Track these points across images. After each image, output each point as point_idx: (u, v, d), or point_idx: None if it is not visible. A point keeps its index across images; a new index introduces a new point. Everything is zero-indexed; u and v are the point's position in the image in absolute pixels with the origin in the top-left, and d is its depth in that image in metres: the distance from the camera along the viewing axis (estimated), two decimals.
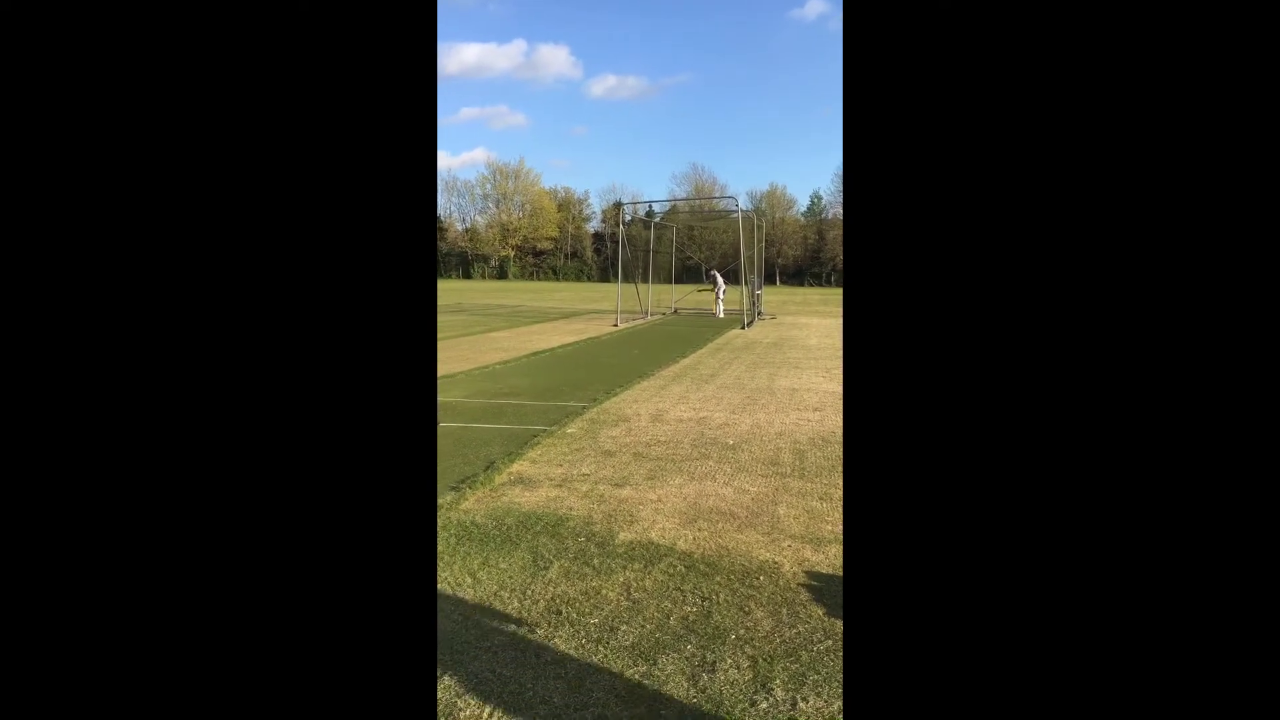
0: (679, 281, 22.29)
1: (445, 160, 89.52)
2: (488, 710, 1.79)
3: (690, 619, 2.27)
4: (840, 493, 3.40)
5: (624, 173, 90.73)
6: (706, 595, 2.43)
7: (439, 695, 1.85)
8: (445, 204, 63.79)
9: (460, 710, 1.79)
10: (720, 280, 17.86)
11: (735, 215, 18.53)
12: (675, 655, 2.05)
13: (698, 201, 39.29)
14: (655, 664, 2.00)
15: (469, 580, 2.55)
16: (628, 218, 22.00)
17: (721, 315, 16.89)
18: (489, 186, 60.30)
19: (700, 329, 13.54)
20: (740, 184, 72.35)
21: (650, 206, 21.27)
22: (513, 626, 2.22)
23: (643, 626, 2.21)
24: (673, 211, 35.02)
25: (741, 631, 2.19)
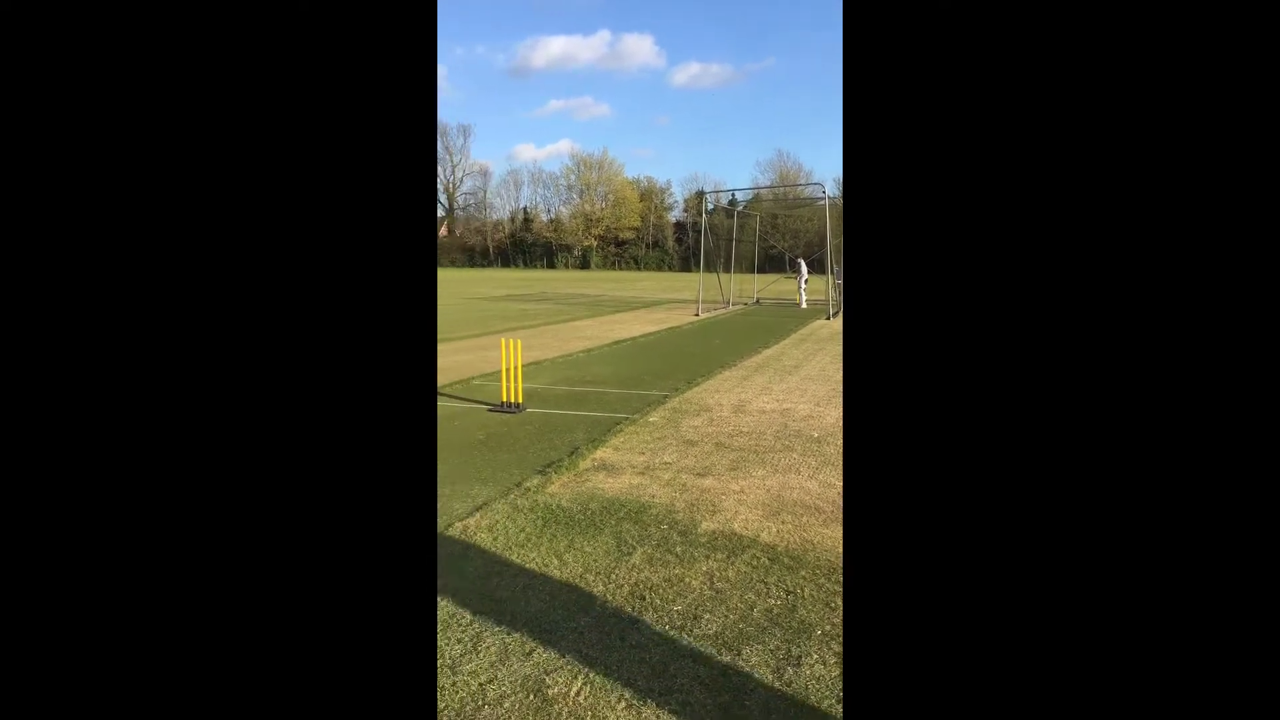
0: (762, 271, 21.96)
1: (531, 152, 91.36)
2: (575, 689, 1.84)
3: (775, 612, 2.24)
4: None
5: (707, 161, 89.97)
6: (791, 589, 2.40)
7: (528, 671, 1.91)
8: (531, 195, 65.22)
9: (548, 687, 1.85)
10: (804, 268, 17.45)
11: (821, 202, 18.06)
12: (760, 647, 2.03)
13: (782, 189, 38.51)
14: (740, 654, 2.00)
15: (555, 562, 2.62)
16: (710, 206, 21.84)
17: (805, 305, 16.52)
18: (573, 178, 61.17)
19: (783, 319, 13.30)
20: (827, 170, 70.15)
21: (733, 195, 21.01)
22: (598, 609, 2.26)
23: (726, 616, 2.21)
24: (756, 199, 34.42)
25: (828, 627, 2.15)
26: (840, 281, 16.98)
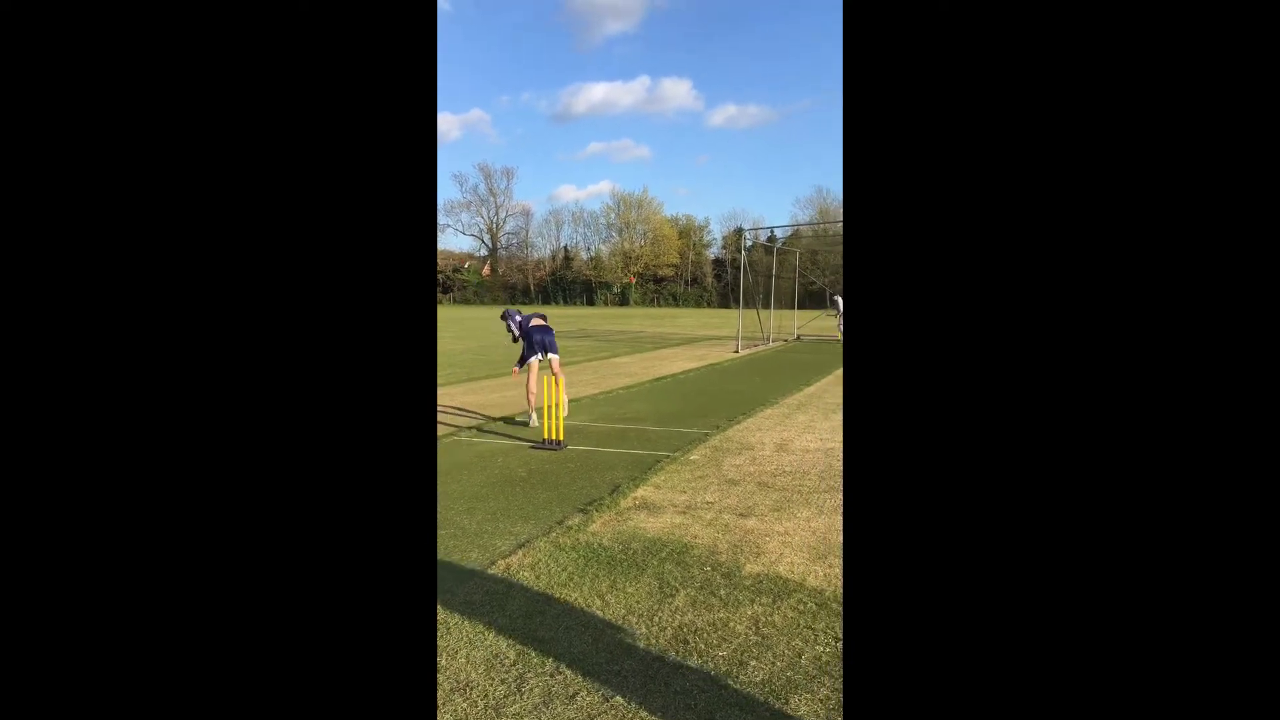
0: (802, 307, 21.81)
1: (572, 193, 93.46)
2: None
3: (823, 659, 2.18)
4: None
5: (746, 198, 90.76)
6: (840, 636, 2.33)
7: (572, 715, 1.89)
8: (572, 234, 66.52)
9: None
10: (842, 304, 17.34)
11: None
12: (809, 696, 1.97)
13: (822, 225, 38.46)
14: (788, 704, 1.94)
15: (598, 602, 2.59)
16: (748, 243, 21.90)
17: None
18: (613, 216, 62.26)
19: (825, 356, 13.15)
20: None
21: (772, 231, 21.04)
22: (641, 652, 2.23)
23: (773, 664, 2.15)
24: (795, 236, 34.42)
25: None
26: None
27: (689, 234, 60.90)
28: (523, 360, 6.21)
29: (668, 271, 59.52)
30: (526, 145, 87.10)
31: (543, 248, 65.99)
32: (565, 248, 64.54)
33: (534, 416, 6.06)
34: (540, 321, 6.27)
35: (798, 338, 18.12)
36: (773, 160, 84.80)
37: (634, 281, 55.80)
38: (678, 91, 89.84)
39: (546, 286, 62.02)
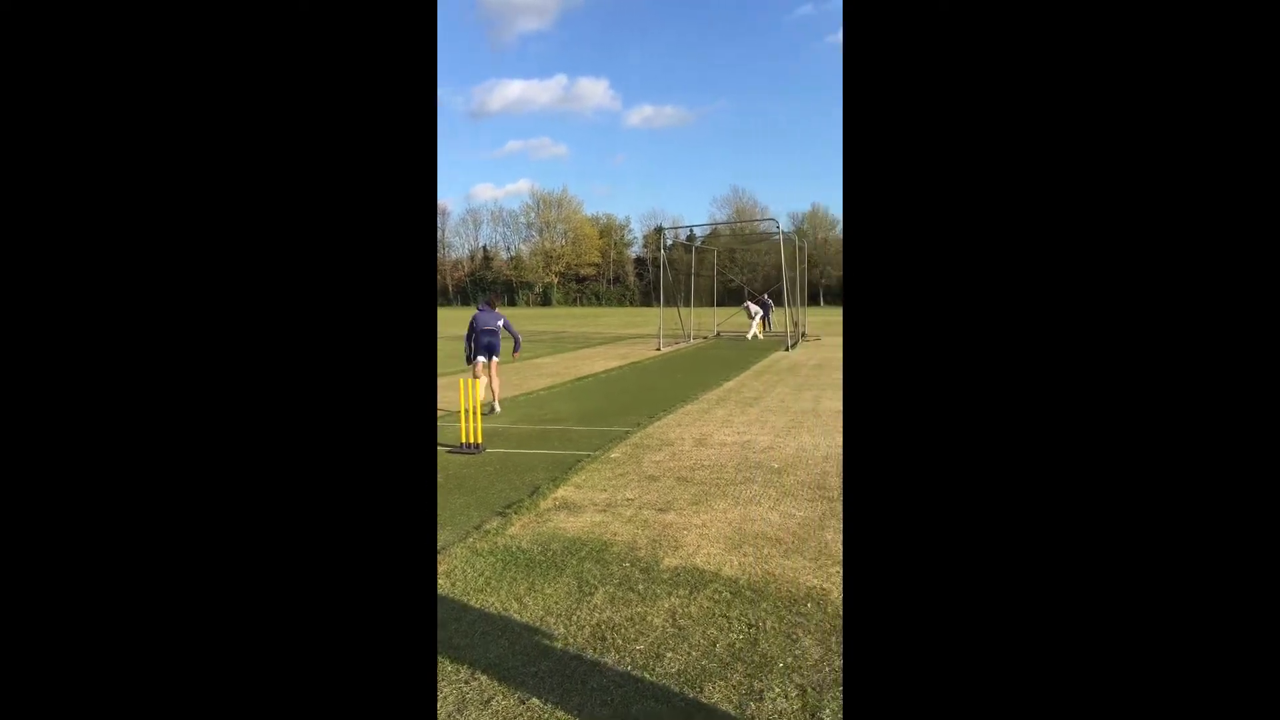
0: (721, 304, 22.26)
1: (490, 192, 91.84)
2: None
3: (737, 646, 2.24)
4: None
5: (664, 198, 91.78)
6: (753, 622, 2.40)
7: None
8: (491, 234, 65.32)
9: None
10: (753, 309, 17.84)
11: (776, 237, 18.51)
12: (722, 683, 2.02)
13: (739, 224, 39.36)
14: (702, 691, 1.98)
15: (515, 605, 2.57)
16: (668, 242, 22.17)
17: (761, 336, 16.84)
18: (533, 215, 61.62)
19: (744, 352, 13.46)
20: (781, 205, 72.63)
21: (691, 230, 21.39)
22: (558, 652, 2.22)
23: (689, 654, 2.19)
24: (713, 235, 35.06)
25: (789, 660, 2.15)
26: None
27: (610, 233, 61.03)
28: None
29: (590, 271, 59.45)
30: (441, 142, 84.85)
31: (460, 248, 64.62)
32: (484, 247, 63.41)
33: (496, 406, 6.78)
34: (489, 326, 6.77)
35: (717, 334, 18.48)
36: (689, 160, 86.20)
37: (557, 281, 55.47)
38: (595, 91, 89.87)
39: (465, 287, 60.68)
